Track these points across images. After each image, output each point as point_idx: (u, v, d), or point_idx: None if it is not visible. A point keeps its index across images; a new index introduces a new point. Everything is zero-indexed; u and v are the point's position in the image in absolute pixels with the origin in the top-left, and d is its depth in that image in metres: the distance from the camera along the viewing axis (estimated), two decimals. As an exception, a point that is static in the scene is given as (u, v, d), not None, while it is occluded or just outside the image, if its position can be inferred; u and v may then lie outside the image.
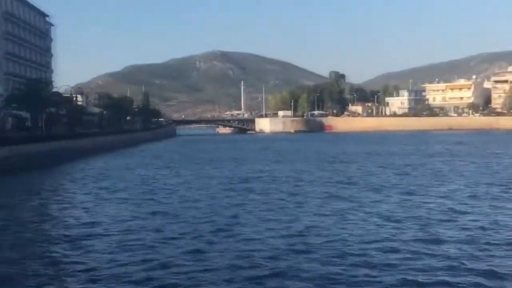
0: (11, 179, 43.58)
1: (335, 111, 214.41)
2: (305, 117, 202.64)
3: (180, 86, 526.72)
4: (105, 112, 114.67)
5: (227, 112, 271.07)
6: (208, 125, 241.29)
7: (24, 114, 76.26)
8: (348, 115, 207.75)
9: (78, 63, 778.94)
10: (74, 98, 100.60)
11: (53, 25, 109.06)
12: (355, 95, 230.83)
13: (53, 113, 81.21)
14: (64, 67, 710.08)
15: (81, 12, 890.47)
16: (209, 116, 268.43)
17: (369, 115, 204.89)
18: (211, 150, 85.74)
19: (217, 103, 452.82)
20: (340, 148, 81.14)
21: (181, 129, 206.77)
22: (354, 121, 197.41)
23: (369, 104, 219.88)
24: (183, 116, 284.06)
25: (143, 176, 45.19)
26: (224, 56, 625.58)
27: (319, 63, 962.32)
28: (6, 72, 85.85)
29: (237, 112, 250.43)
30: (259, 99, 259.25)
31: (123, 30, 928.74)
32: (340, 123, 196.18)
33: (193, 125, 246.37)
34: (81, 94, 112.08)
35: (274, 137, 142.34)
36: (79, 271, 16.37)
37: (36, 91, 73.83)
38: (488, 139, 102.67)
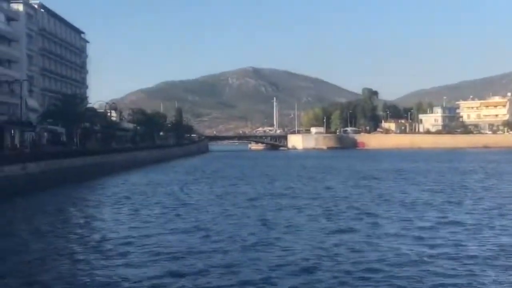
0: (49, 192, 44.93)
1: (367, 128, 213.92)
2: (337, 134, 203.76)
3: (213, 102, 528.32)
4: (138, 127, 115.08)
5: (259, 129, 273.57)
6: (240, 141, 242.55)
7: (59, 129, 77.39)
8: (381, 132, 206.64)
9: (113, 80, 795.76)
10: (108, 114, 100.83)
11: (88, 42, 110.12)
12: (388, 112, 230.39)
13: (87, 129, 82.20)
14: (99, 83, 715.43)
15: (116, 28, 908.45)
16: (241, 132, 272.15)
17: (402, 132, 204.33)
18: (244, 166, 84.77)
19: (249, 119, 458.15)
20: (373, 165, 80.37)
21: (214, 145, 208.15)
22: (387, 138, 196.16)
23: (402, 121, 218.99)
24: (215, 132, 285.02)
25: (175, 191, 45.16)
26: (257, 73, 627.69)
27: (352, 80, 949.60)
28: (43, 88, 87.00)
29: (269, 128, 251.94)
30: (292, 115, 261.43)
31: (156, 46, 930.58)
32: (373, 140, 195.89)
33: (226, 141, 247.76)
34: (115, 109, 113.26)
35: (306, 154, 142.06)
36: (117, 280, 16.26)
37: (71, 107, 75.15)
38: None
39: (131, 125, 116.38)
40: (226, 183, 52.12)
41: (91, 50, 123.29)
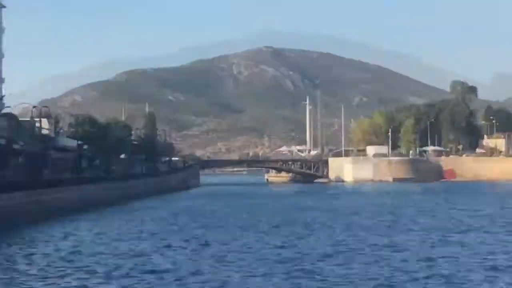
0: None
1: (460, 146, 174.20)
2: (411, 156, 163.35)
3: (207, 105, 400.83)
4: (85, 146, 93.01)
5: (282, 148, 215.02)
6: (250, 168, 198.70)
7: None
8: (483, 154, 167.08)
9: (44, 69, 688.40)
10: (37, 124, 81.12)
11: (4, 7, 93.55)
12: (494, 121, 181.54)
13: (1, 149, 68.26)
14: (21, 75, 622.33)
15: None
16: (251, 154, 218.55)
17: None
18: (258, 225, 51.56)
19: (266, 132, 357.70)
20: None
21: (208, 175, 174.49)
22: (493, 164, 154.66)
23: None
24: (209, 154, 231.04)
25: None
26: (278, 56, 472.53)
27: (433, 68, 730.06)
28: None
29: (299, 147, 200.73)
30: (336, 127, 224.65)
31: (112, 12, 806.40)
32: (469, 167, 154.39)
33: (227, 168, 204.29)
34: (48, 117, 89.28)
35: (362, 192, 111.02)
36: None
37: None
38: None
39: (73, 142, 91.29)
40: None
41: (9, 22, 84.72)
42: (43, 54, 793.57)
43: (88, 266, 31.44)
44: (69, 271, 29.77)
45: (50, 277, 28.44)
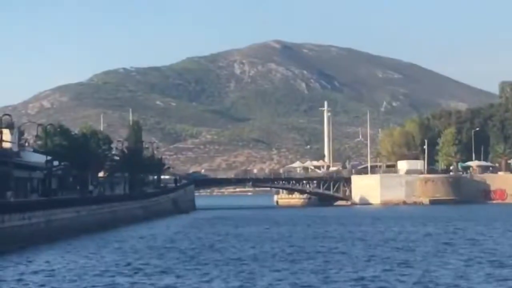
0: None
1: (511, 161, 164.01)
2: (451, 173, 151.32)
3: (203, 112, 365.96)
4: (55, 162, 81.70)
5: (295, 164, 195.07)
6: (256, 188, 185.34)
7: None
8: None
9: (5, 70, 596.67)
10: None
11: None
12: None
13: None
14: None
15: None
16: (255, 171, 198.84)
17: None
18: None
19: (274, 144, 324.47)
20: None
21: (205, 195, 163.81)
22: None
23: None
24: (203, 171, 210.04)
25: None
26: (288, 52, 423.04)
27: (477, 66, 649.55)
28: None
29: (315, 163, 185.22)
30: (360, 138, 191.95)
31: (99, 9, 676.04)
32: None
33: (227, 189, 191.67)
34: (10, 127, 78.73)
35: (394, 218, 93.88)
36: None
37: None
38: None
39: (41, 158, 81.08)
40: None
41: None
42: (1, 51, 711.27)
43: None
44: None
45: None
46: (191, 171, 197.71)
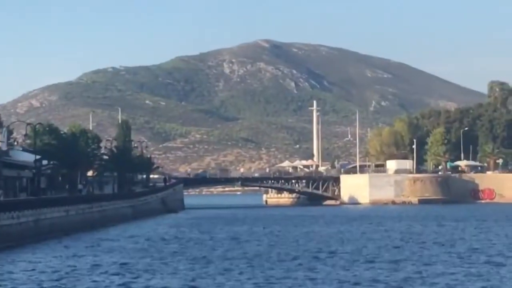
0: None
1: (499, 160, 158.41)
2: (440, 172, 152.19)
3: (192, 111, 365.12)
4: (44, 162, 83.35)
5: (284, 163, 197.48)
6: (245, 187, 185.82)
7: None
8: None
9: None
10: None
11: None
12: None
13: None
14: None
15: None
16: (242, 171, 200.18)
17: None
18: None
19: (263, 142, 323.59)
20: None
21: (194, 195, 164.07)
22: None
23: None
24: (189, 170, 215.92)
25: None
26: (277, 51, 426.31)
27: (465, 67, 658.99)
28: None
29: (304, 162, 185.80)
30: (349, 137, 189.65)
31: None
32: (511, 186, 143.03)
33: (217, 188, 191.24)
34: None
35: (384, 218, 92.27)
36: None
37: None
38: None
39: (30, 157, 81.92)
40: None
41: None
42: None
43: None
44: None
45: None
46: (181, 170, 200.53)
